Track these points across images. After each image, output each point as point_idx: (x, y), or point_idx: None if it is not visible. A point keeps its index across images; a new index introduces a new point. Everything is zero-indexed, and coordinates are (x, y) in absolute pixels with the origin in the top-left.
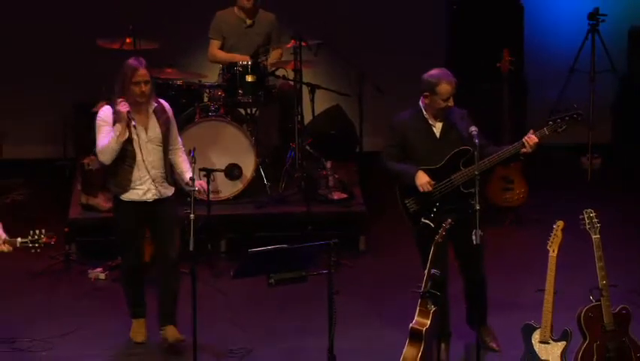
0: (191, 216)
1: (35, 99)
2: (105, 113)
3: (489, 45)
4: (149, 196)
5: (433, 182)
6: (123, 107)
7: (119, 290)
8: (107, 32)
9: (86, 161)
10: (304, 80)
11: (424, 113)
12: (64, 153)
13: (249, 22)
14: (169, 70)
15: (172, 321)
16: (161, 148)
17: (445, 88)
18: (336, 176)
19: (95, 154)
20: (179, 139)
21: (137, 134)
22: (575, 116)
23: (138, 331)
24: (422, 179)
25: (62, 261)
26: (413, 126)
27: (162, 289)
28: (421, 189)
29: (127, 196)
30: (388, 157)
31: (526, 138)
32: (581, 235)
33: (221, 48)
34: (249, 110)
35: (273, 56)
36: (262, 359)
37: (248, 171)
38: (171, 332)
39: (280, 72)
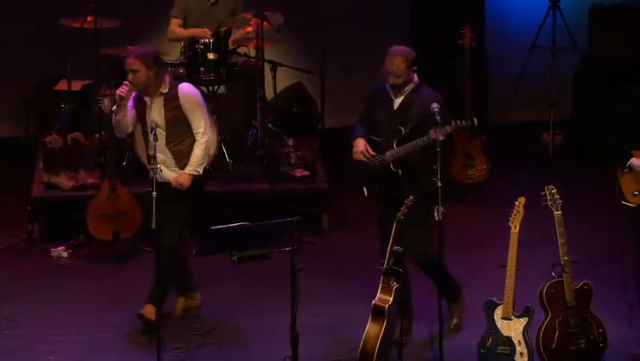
0: (153, 194)
1: None
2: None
3: (450, 21)
4: (158, 177)
5: (371, 153)
6: (120, 88)
7: (82, 268)
8: (68, 10)
9: (48, 139)
10: (266, 57)
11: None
12: (26, 131)
13: None
14: (130, 48)
15: (150, 300)
16: (164, 134)
17: (385, 64)
18: (299, 153)
19: (57, 132)
20: (199, 130)
21: (148, 116)
22: (464, 123)
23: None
24: (357, 147)
25: (25, 239)
26: (379, 96)
27: (154, 271)
28: (354, 156)
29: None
30: (358, 120)
31: (432, 133)
32: (542, 211)
33: (185, 25)
34: (210, 88)
35: (238, 33)
36: (225, 336)
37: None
38: (146, 311)
39: (242, 50)
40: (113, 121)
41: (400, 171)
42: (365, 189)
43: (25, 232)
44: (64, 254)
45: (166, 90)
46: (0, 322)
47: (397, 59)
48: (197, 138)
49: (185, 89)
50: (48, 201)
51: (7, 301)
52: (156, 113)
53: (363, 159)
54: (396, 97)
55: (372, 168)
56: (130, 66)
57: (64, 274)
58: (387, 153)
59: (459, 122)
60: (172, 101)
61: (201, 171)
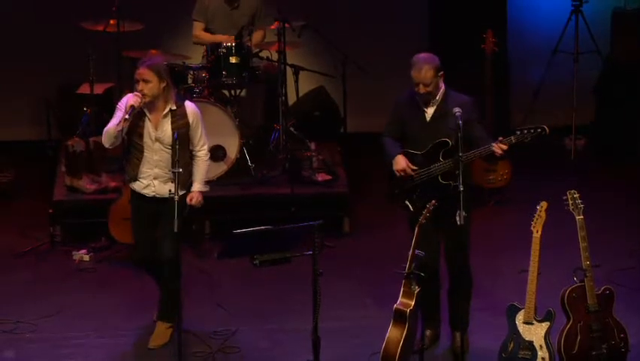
0: (175, 198)
1: (19, 81)
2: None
3: (472, 25)
4: (148, 192)
5: (412, 167)
6: (131, 98)
7: (104, 272)
8: (91, 14)
9: (70, 143)
10: (288, 61)
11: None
12: (48, 135)
13: (234, 3)
14: (153, 51)
15: (162, 317)
16: (168, 151)
17: (413, 74)
18: (321, 157)
19: (79, 136)
20: (204, 147)
21: (148, 131)
22: (539, 130)
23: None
24: (399, 164)
25: (47, 242)
26: (408, 107)
27: (161, 286)
28: (397, 174)
29: (133, 186)
30: (387, 132)
31: (495, 145)
32: (564, 216)
33: (206, 30)
34: (233, 92)
35: (256, 37)
36: (246, 340)
37: (232, 152)
38: (156, 332)
39: (264, 53)
40: (113, 129)
41: (451, 183)
42: (410, 205)
43: (47, 236)
44: (86, 257)
45: (174, 107)
46: (21, 325)
47: (424, 67)
48: (200, 155)
49: (193, 106)
50: (70, 204)
51: (29, 304)
52: (162, 131)
53: (406, 175)
54: (427, 107)
55: (417, 182)
56: (142, 76)
57: (85, 277)
58: (435, 166)
59: (526, 132)
60: (181, 119)
61: (208, 189)
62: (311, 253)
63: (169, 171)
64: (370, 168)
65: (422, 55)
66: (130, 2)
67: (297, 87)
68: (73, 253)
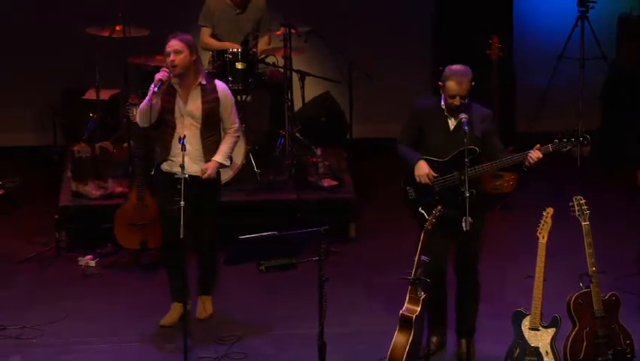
0: (181, 203)
1: (25, 86)
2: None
3: (478, 30)
4: (178, 170)
5: (433, 174)
6: (160, 73)
7: (109, 277)
8: (96, 19)
9: (76, 148)
10: (294, 67)
11: (442, 103)
12: (54, 141)
13: (240, 8)
14: (159, 57)
15: (203, 293)
16: (198, 126)
17: (451, 85)
18: (327, 163)
19: (85, 141)
20: (233, 125)
21: (179, 106)
22: (581, 139)
23: (168, 314)
24: (421, 170)
25: (52, 248)
26: (430, 115)
27: (198, 266)
28: (418, 180)
29: (164, 166)
30: (402, 140)
31: (531, 152)
32: (570, 222)
33: (212, 35)
34: (239, 98)
35: (261, 42)
36: (252, 346)
37: (238, 158)
38: (200, 305)
39: (270, 59)
40: (145, 106)
41: (474, 191)
42: (424, 212)
43: (52, 241)
44: (92, 263)
45: (204, 82)
46: (27, 330)
47: (465, 80)
48: (230, 132)
49: (224, 85)
50: (75, 209)
51: (34, 309)
52: (192, 104)
53: (428, 182)
54: (451, 116)
55: (437, 189)
56: (173, 47)
57: (91, 283)
58: (455, 175)
59: (565, 141)
60: (211, 94)
61: (227, 164)
62: (317, 258)
63: (199, 148)
64: (376, 174)
65: (459, 67)
66: (135, 8)
67: (303, 93)
68: (79, 258)
